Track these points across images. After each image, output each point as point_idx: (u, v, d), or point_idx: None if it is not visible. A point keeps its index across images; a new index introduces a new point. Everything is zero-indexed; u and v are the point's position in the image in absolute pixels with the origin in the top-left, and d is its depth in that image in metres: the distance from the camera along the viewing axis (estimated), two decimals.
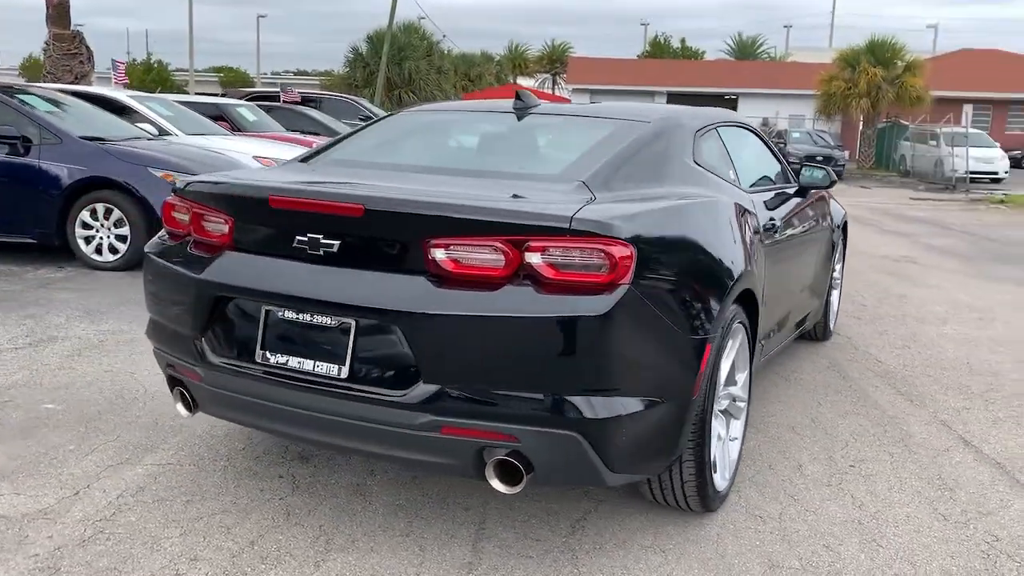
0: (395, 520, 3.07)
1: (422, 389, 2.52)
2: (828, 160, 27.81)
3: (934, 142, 29.25)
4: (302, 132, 13.55)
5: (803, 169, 4.82)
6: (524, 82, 55.44)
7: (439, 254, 2.53)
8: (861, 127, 34.40)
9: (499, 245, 2.48)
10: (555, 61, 58.52)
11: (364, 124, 3.83)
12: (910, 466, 3.76)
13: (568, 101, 44.83)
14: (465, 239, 2.51)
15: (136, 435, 3.75)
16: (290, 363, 2.69)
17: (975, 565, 2.92)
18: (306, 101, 17.49)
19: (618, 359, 2.50)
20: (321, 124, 14.68)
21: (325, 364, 2.64)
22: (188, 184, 3.08)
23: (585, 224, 2.46)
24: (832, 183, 4.82)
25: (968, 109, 40.79)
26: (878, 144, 33.32)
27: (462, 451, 2.56)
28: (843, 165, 28.20)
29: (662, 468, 2.85)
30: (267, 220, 2.81)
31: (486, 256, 2.50)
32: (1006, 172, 28.37)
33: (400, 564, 2.77)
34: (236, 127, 12.26)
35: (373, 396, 2.57)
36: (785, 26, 63.03)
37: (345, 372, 2.61)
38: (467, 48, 53.74)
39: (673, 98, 41.27)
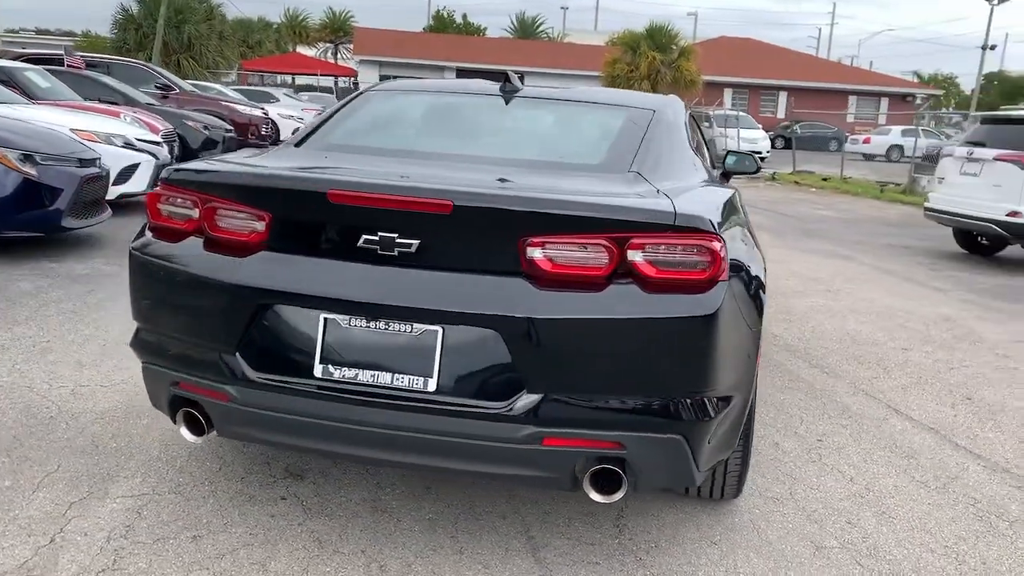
0: (438, 537, 2.85)
1: (526, 399, 2.34)
2: None
3: (707, 124, 31.55)
4: (100, 100, 12.22)
5: (727, 156, 4.99)
6: (305, 51, 53.44)
7: (537, 253, 2.35)
8: None
9: (602, 243, 2.35)
10: (338, 31, 56.82)
11: (340, 104, 3.49)
12: (866, 436, 4.03)
13: (354, 73, 43.87)
14: (565, 237, 2.35)
15: (80, 462, 3.22)
16: (360, 377, 2.41)
17: (976, 527, 3.18)
18: (90, 66, 15.77)
19: (719, 357, 2.46)
20: (119, 92, 13.28)
21: (407, 377, 2.38)
22: (189, 173, 2.66)
23: (689, 220, 2.38)
24: (758, 169, 5.03)
25: (728, 93, 44.36)
26: None
27: (563, 462, 2.41)
28: None
29: (724, 460, 2.86)
30: (323, 217, 2.47)
31: (586, 255, 2.36)
32: (768, 152, 31.19)
33: None
34: (27, 94, 10.81)
35: (468, 409, 2.35)
36: (562, 7, 65.01)
37: (433, 384, 2.36)
38: (244, 13, 50.73)
39: (462, 74, 41.51)
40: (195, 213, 2.62)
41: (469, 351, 2.37)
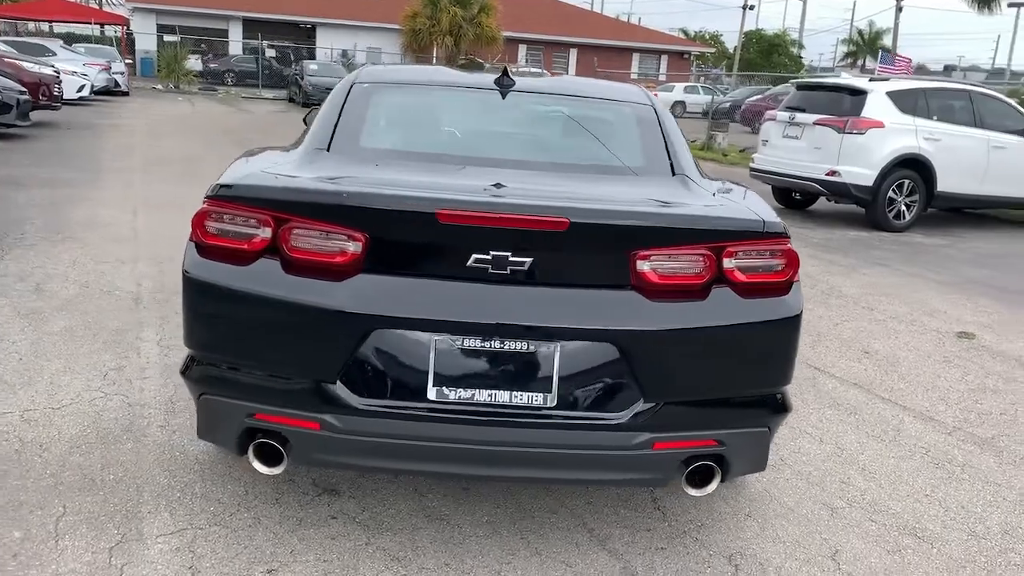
0: (507, 540, 2.89)
1: (641, 408, 2.43)
2: None
3: None
4: None
5: None
6: None
7: (646, 266, 2.43)
8: (444, 65, 36.16)
9: (703, 252, 2.46)
10: None
11: (338, 101, 3.27)
12: (809, 397, 4.45)
13: (125, 21, 40.24)
14: (671, 249, 2.44)
15: (87, 501, 2.94)
16: (477, 397, 2.39)
17: (939, 474, 3.64)
18: None
19: (796, 353, 2.66)
20: None
21: (526, 394, 2.39)
22: (254, 189, 2.47)
23: (772, 226, 2.55)
24: None
25: (522, 50, 45.13)
26: None
27: (668, 464, 2.53)
28: None
29: None
30: (430, 237, 2.39)
31: (689, 265, 2.46)
32: None
33: None
34: None
35: (587, 422, 2.41)
36: None
37: (553, 400, 2.39)
38: None
39: (249, 24, 39.32)
40: (262, 232, 2.45)
41: (585, 365, 2.42)
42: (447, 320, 2.36)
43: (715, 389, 2.51)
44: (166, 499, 3.00)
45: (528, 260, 2.37)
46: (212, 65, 37.58)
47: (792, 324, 2.55)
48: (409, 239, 2.41)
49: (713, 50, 57.32)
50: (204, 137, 15.54)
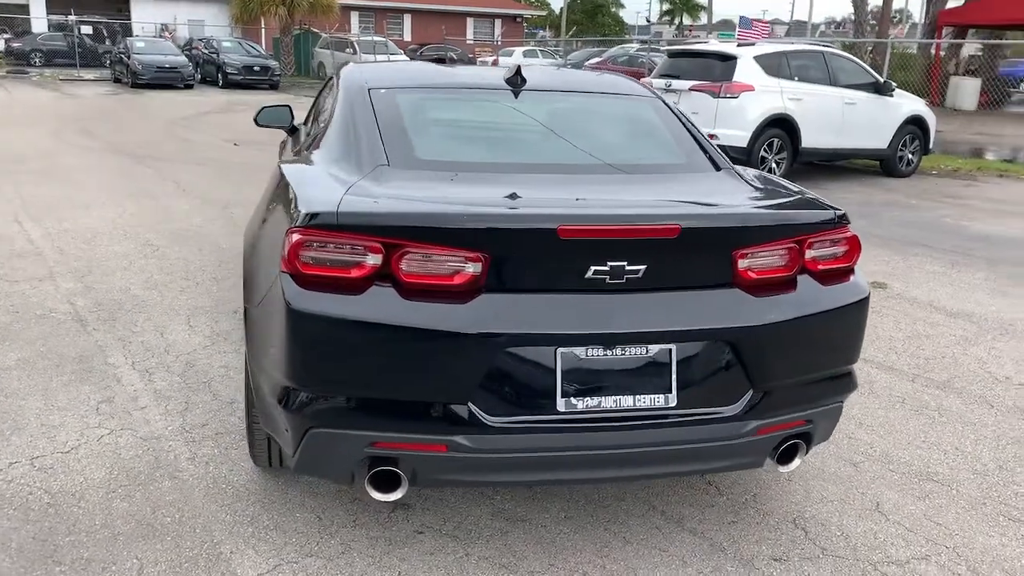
0: (598, 534, 2.99)
1: (750, 398, 2.58)
2: (266, 70, 27.89)
3: (350, 50, 31.32)
4: None
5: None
6: None
7: (745, 264, 2.56)
8: (277, 35, 34.80)
9: (790, 245, 2.62)
10: None
11: (358, 110, 3.17)
12: None
13: None
14: (766, 246, 2.58)
15: (157, 549, 2.80)
16: (603, 404, 2.46)
17: (921, 420, 4.03)
18: None
19: (864, 330, 2.88)
20: None
21: (649, 396, 2.49)
22: (362, 216, 2.40)
23: (843, 216, 2.75)
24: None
25: (355, 17, 44.08)
26: (296, 52, 34.27)
27: (766, 447, 2.70)
28: (280, 75, 28.54)
29: None
30: (549, 253, 2.41)
31: (778, 259, 2.62)
32: None
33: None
34: None
35: (705, 416, 2.53)
36: None
37: (673, 400, 2.50)
38: None
39: None
40: (371, 259, 2.39)
41: (700, 363, 2.54)
42: (571, 333, 2.41)
43: (808, 373, 2.69)
44: (241, 535, 2.89)
45: (642, 268, 2.45)
46: (15, 44, 34.46)
47: (864, 304, 2.76)
48: (529, 256, 2.43)
49: (545, 13, 58.14)
50: (45, 128, 14.35)
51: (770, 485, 3.37)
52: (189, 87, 26.34)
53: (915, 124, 12.38)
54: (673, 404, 2.51)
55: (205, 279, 5.86)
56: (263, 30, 37.42)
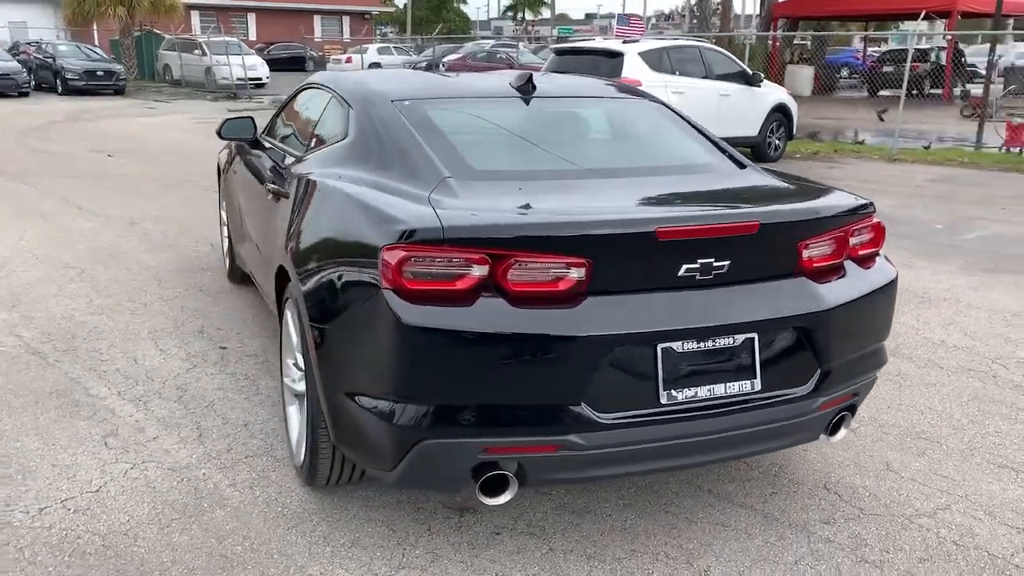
0: (671, 519, 3.15)
1: (818, 376, 2.81)
2: (110, 75, 26.45)
3: (199, 51, 30.08)
4: None
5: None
6: None
7: (806, 254, 2.79)
8: (116, 37, 32.88)
9: (839, 235, 2.88)
10: None
11: (403, 124, 3.18)
12: None
13: None
14: (822, 236, 2.82)
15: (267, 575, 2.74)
16: (699, 394, 2.62)
17: (900, 381, 4.44)
18: None
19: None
20: None
21: (737, 383, 2.67)
22: (470, 229, 2.46)
23: (872, 205, 3.02)
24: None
25: (195, 16, 42.33)
26: (138, 55, 32.54)
27: (825, 420, 2.93)
28: (125, 79, 27.06)
29: None
30: (647, 255, 2.54)
31: (831, 248, 2.87)
32: (267, 77, 30.98)
33: (778, 566, 3.00)
34: None
35: (784, 398, 2.74)
36: None
37: (758, 384, 2.69)
38: None
39: None
40: (476, 270, 2.46)
41: (779, 348, 2.74)
42: (670, 329, 2.55)
43: (859, 349, 2.94)
44: (322, 556, 2.87)
45: (726, 263, 2.62)
46: None
47: (895, 283, 3.05)
48: (628, 258, 2.55)
49: (393, 9, 57.65)
50: None
51: (791, 456, 3.64)
52: (24, 95, 24.55)
53: (780, 112, 13.28)
54: (758, 388, 2.70)
55: (152, 300, 5.61)
56: (96, 32, 35.30)
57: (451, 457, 2.55)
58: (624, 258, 2.55)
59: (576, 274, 2.50)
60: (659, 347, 2.56)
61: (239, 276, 5.82)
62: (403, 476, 2.64)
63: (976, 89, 22.85)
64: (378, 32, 51.00)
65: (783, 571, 2.84)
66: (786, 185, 3.20)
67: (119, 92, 26.16)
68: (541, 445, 2.53)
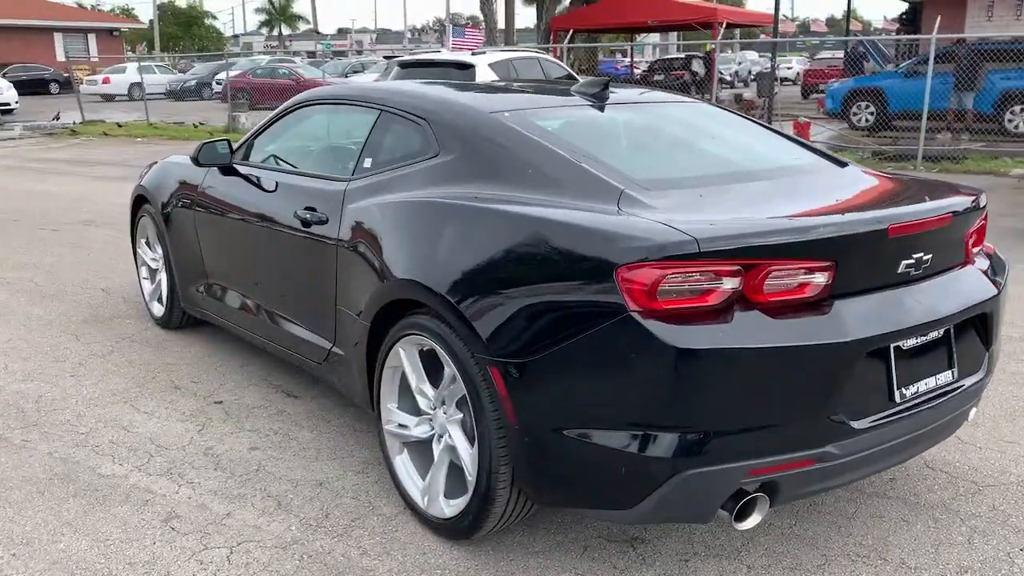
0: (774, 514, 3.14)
1: (987, 360, 2.91)
2: None
3: None
4: None
5: None
6: None
7: (970, 244, 2.90)
8: None
9: (983, 225, 3.01)
10: None
11: (536, 140, 2.91)
12: None
13: None
14: (974, 228, 2.93)
15: None
16: (920, 389, 2.63)
17: None
18: None
19: None
20: None
21: (943, 374, 2.71)
22: (725, 240, 2.30)
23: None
24: None
25: None
26: None
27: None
28: None
29: None
30: (878, 253, 2.50)
31: (977, 237, 3.00)
32: (16, 102, 27.83)
33: (954, 548, 3.05)
34: None
35: (971, 384, 2.82)
36: None
37: (956, 374, 2.75)
38: None
39: None
40: (728, 283, 2.32)
41: (964, 336, 2.81)
42: (903, 328, 2.53)
43: (998, 330, 3.08)
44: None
45: (930, 256, 2.65)
46: None
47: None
48: (864, 259, 2.50)
49: (145, 25, 53.75)
50: None
51: None
52: None
53: None
54: (956, 377, 2.76)
55: (83, 357, 4.81)
56: None
57: (712, 485, 2.38)
58: (860, 259, 2.50)
59: (822, 279, 2.42)
60: (892, 346, 2.54)
61: (179, 321, 5.14)
62: (646, 512, 2.43)
63: (748, 93, 25.10)
64: (129, 50, 47.40)
65: (962, 552, 2.92)
66: (907, 180, 3.29)
67: None
68: (800, 460, 2.42)
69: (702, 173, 3.02)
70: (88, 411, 4.07)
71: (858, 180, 3.21)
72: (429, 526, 3.02)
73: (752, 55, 43.63)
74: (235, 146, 4.39)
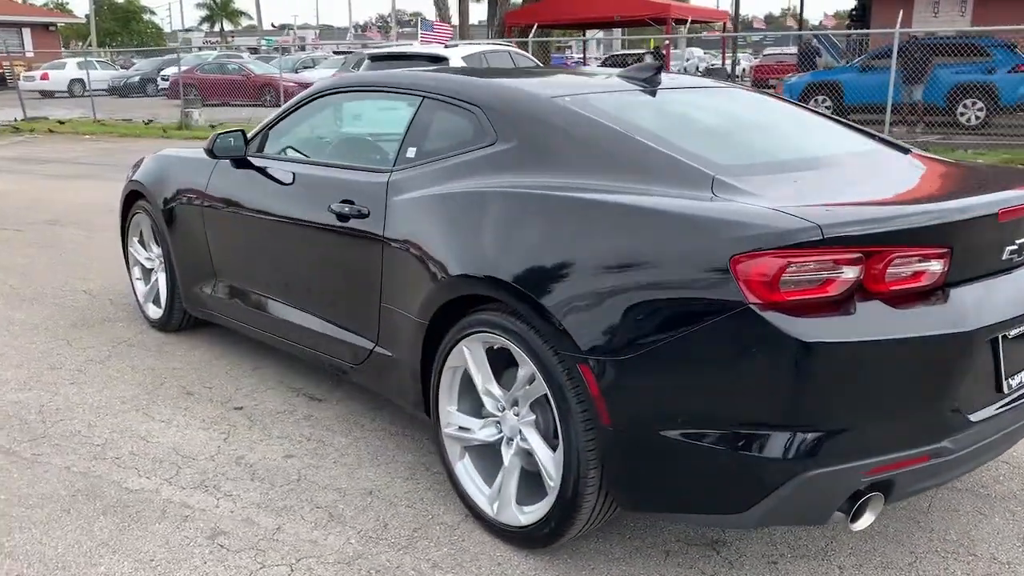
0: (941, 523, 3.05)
1: None
2: None
3: None
4: None
5: None
6: None
7: None
8: None
9: None
10: None
11: (604, 124, 2.74)
12: None
13: None
14: None
15: None
16: (1020, 380, 2.54)
17: None
18: None
19: None
20: None
21: None
22: (849, 227, 2.17)
23: None
24: None
25: None
26: None
27: None
28: None
29: None
30: (986, 240, 2.40)
31: None
32: None
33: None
34: None
35: None
36: None
37: None
38: None
39: None
40: (848, 272, 2.19)
41: None
42: (1012, 316, 2.43)
43: None
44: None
45: (1021, 241, 2.56)
46: None
47: None
48: (975, 245, 2.39)
49: (82, 20, 52.09)
50: None
51: None
52: None
53: None
54: None
55: (80, 363, 4.51)
56: None
57: (831, 487, 2.25)
58: (972, 245, 2.40)
59: (939, 266, 2.31)
60: (1000, 335, 2.45)
61: (179, 323, 4.87)
62: (757, 516, 2.29)
63: None
64: (66, 46, 45.91)
65: None
66: (977, 167, 3.22)
67: None
68: (916, 457, 2.31)
69: (780, 158, 2.89)
70: (99, 421, 3.80)
71: (930, 166, 3.12)
72: (499, 535, 2.85)
73: (698, 51, 44.04)
74: (248, 136, 4.14)
